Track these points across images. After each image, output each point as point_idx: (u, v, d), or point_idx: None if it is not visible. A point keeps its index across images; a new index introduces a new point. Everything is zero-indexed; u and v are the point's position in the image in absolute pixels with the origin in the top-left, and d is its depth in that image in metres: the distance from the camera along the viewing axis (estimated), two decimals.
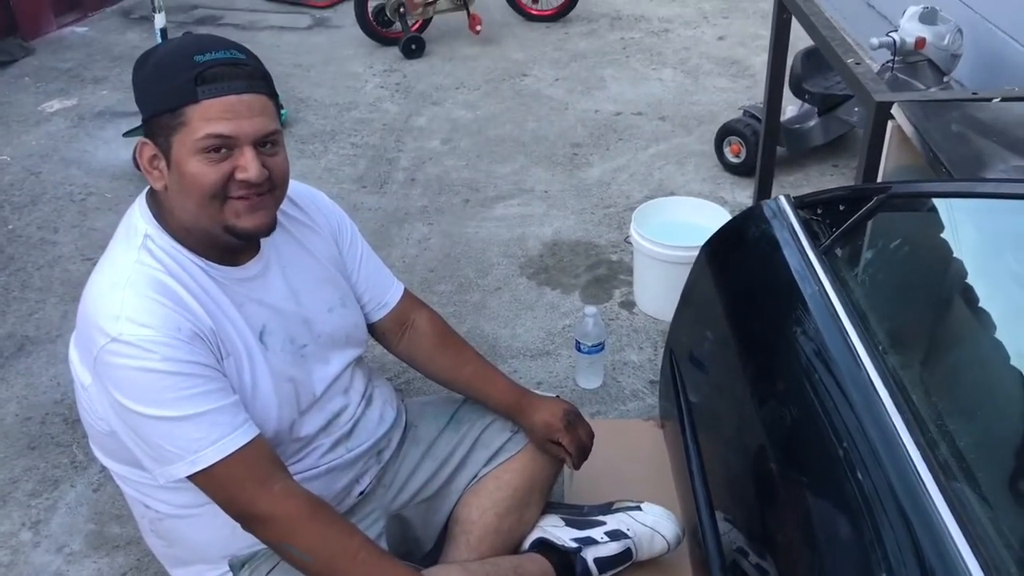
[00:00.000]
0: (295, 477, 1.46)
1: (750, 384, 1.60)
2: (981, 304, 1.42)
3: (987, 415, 1.23)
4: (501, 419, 1.72)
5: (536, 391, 1.76)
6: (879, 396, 1.28)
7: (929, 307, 1.50)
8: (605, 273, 2.71)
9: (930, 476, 1.14)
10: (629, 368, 2.32)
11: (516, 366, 2.32)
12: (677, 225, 2.53)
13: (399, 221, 3.00)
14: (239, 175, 1.28)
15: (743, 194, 3.11)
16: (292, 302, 1.46)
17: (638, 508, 1.74)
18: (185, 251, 1.34)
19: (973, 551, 1.03)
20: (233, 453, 1.28)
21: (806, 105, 3.26)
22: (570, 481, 1.87)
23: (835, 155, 3.33)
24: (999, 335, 1.29)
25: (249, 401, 1.36)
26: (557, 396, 1.77)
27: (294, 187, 1.51)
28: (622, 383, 2.27)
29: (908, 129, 1.65)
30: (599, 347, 2.19)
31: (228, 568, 1.47)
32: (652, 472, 1.95)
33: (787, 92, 3.16)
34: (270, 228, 1.37)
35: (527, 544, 1.69)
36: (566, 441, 1.64)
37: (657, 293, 2.45)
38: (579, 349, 2.20)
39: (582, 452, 1.67)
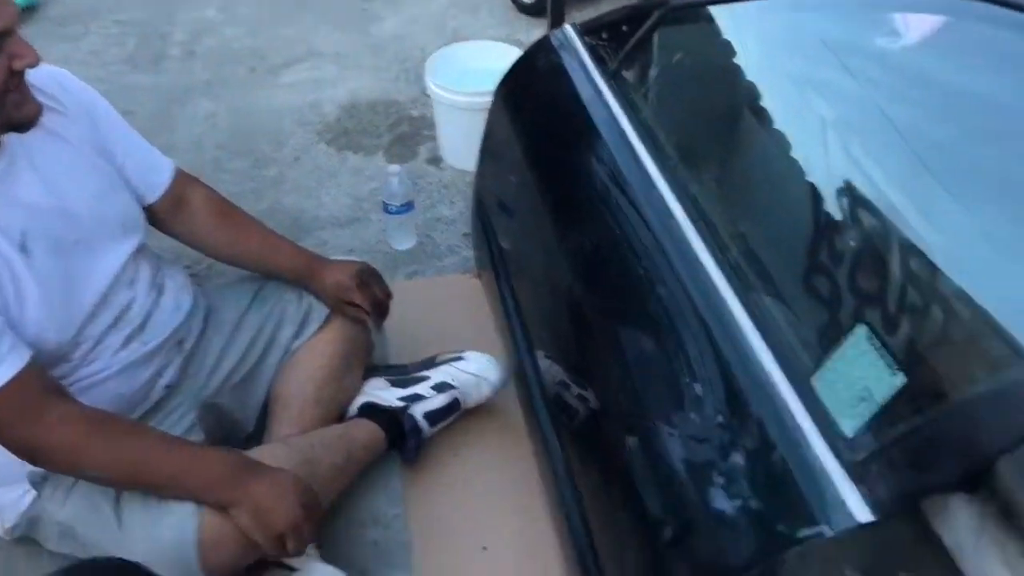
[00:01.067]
0: (88, 380, 1.36)
1: (553, 221, 1.59)
2: (768, 111, 1.44)
3: (780, 223, 1.25)
4: (305, 292, 1.66)
5: (349, 259, 1.70)
6: (674, 215, 1.29)
7: (717, 120, 1.51)
8: (408, 130, 2.62)
9: (728, 287, 1.17)
10: (442, 224, 2.27)
11: (325, 237, 2.23)
12: (473, 72, 2.45)
13: (180, 99, 2.78)
14: (17, 65, 1.17)
15: (539, 33, 3.05)
16: (51, 196, 1.31)
17: (461, 358, 1.73)
18: None
19: (775, 358, 1.07)
20: (5, 384, 1.17)
21: None
22: (382, 341, 1.84)
23: None
24: (788, 143, 1.31)
25: (17, 319, 1.23)
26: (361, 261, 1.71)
27: (34, 71, 1.34)
28: (436, 240, 2.22)
29: None
30: (407, 206, 2.13)
31: (30, 486, 1.37)
32: (474, 323, 1.94)
33: None
34: (40, 111, 1.26)
35: (353, 410, 1.66)
36: (359, 299, 1.59)
37: (461, 144, 2.39)
38: (387, 210, 2.13)
39: (379, 310, 1.63)
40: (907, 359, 0.93)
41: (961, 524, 1.27)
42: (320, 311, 1.64)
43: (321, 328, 1.64)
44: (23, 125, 1.24)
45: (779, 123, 1.36)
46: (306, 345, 1.62)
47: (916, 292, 0.97)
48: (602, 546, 1.33)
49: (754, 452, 1.01)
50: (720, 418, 1.07)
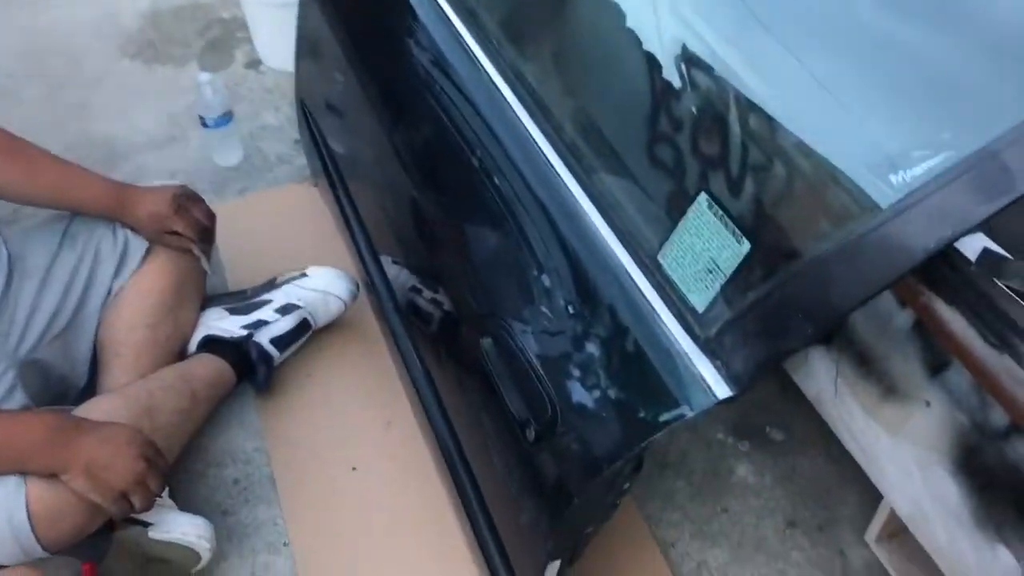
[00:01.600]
0: None
1: (380, 117, 1.48)
2: None
3: (612, 96, 1.18)
4: (117, 224, 1.50)
5: (163, 183, 1.54)
6: (504, 97, 1.21)
7: None
8: (220, 34, 2.41)
9: (565, 168, 1.10)
10: (269, 132, 2.12)
11: (144, 162, 2.04)
12: None
13: None
14: None
15: None
16: None
17: (304, 275, 1.62)
18: None
19: (619, 238, 1.01)
20: None
21: None
22: (217, 268, 1.71)
23: None
24: (616, 10, 1.23)
25: None
26: (181, 185, 1.56)
27: None
28: (265, 150, 2.07)
29: None
30: (226, 117, 1.96)
31: None
32: (317, 234, 1.83)
33: None
34: None
35: (193, 346, 1.55)
36: (180, 227, 1.46)
37: (279, 43, 2.20)
38: (205, 125, 1.96)
39: (204, 236, 1.50)
40: (752, 224, 0.89)
41: (820, 375, 1.29)
42: (139, 243, 1.50)
43: (144, 261, 1.50)
44: None
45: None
46: (130, 283, 1.48)
47: (757, 152, 0.92)
48: (470, 450, 1.29)
49: (607, 340, 0.97)
50: (570, 308, 1.02)
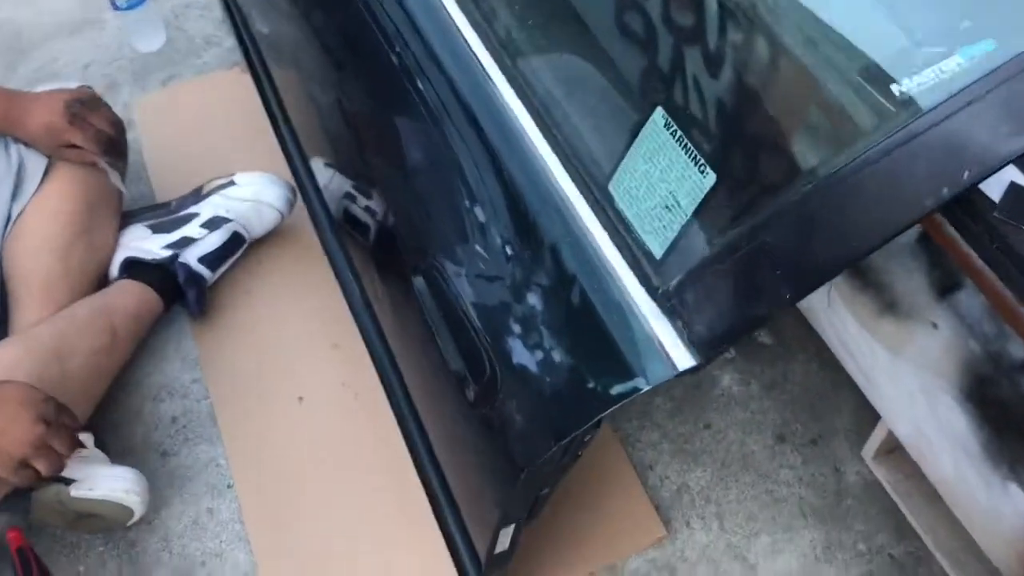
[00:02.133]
0: None
1: (319, 20, 1.27)
2: None
3: None
4: (10, 140, 1.32)
5: (67, 86, 1.35)
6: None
7: None
8: None
9: (502, 77, 0.91)
10: (194, 10, 1.88)
11: (56, 51, 1.81)
12: None
13: None
14: None
15: None
16: None
17: (232, 183, 1.44)
18: None
19: (556, 154, 0.83)
20: None
21: None
22: (123, 180, 1.53)
23: None
24: None
25: None
26: (82, 87, 1.36)
27: None
28: (190, 32, 1.84)
29: None
30: None
31: None
32: (249, 130, 1.63)
33: None
34: None
35: (114, 271, 1.39)
36: (79, 139, 1.28)
37: None
38: (115, 6, 1.72)
39: (109, 147, 1.31)
40: (720, 149, 0.71)
41: None
42: (37, 159, 1.32)
43: (46, 180, 1.32)
44: None
45: None
46: (32, 205, 1.31)
47: (731, 51, 0.73)
48: (415, 392, 1.16)
49: (549, 290, 0.80)
50: (508, 248, 0.85)
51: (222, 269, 1.43)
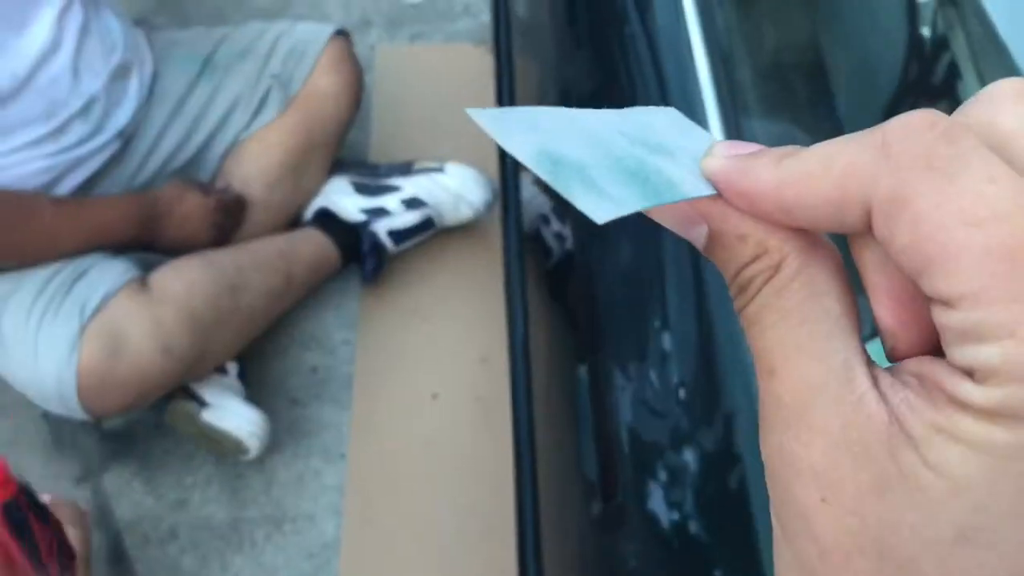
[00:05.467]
0: None
1: (561, 20, 1.26)
2: None
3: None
4: (264, 66, 1.37)
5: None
6: (696, 74, 0.96)
7: None
8: None
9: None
10: None
11: None
12: None
13: None
14: None
15: None
16: None
17: (441, 170, 1.46)
18: None
19: None
20: None
21: None
22: (362, 126, 1.56)
23: None
24: None
25: None
26: None
27: None
28: None
29: None
30: None
31: None
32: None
33: None
34: None
35: (309, 214, 1.44)
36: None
37: None
38: None
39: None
40: None
41: None
42: (280, 95, 1.37)
43: (280, 115, 1.37)
44: None
45: None
46: (257, 133, 1.37)
47: None
48: (542, 448, 1.15)
49: (710, 459, 0.77)
50: (681, 392, 0.82)
51: (406, 245, 1.45)
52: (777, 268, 0.20)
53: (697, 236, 0.22)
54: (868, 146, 0.19)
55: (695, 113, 0.94)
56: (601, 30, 1.13)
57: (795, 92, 1.05)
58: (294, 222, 1.43)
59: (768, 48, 1.10)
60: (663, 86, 0.99)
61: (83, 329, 1.10)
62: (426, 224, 1.44)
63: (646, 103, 1.01)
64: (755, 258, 0.21)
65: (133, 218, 1.22)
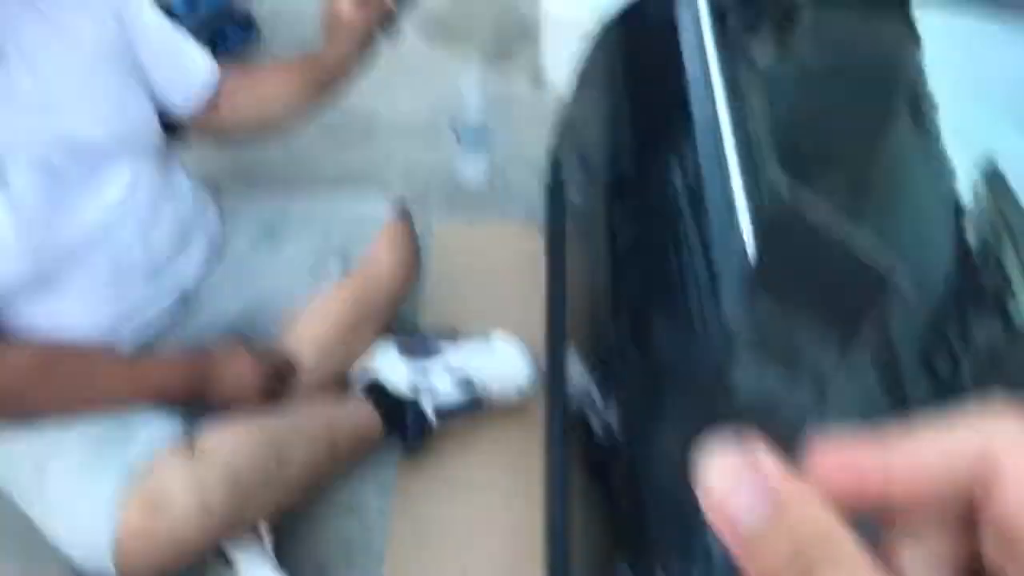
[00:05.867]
0: (46, 317, 1.18)
1: (616, 211, 1.30)
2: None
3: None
4: (326, 237, 1.43)
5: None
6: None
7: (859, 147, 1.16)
8: (515, 31, 2.28)
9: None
10: (522, 159, 1.97)
11: (390, 148, 1.97)
12: None
13: None
14: None
15: None
16: (46, 111, 1.09)
17: (488, 344, 1.48)
18: None
19: None
20: None
21: None
22: (414, 297, 1.60)
23: None
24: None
25: None
26: None
27: None
28: (510, 177, 1.94)
29: None
30: (481, 134, 1.84)
31: None
32: (525, 289, 1.67)
33: None
34: None
35: (357, 379, 1.45)
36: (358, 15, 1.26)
37: (568, 64, 2.05)
38: (456, 135, 1.85)
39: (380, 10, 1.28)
40: None
41: None
42: (339, 266, 1.42)
43: (338, 283, 1.42)
44: None
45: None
46: (314, 303, 1.41)
47: None
48: None
49: None
50: None
51: (451, 420, 1.46)
52: None
53: None
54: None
55: (740, 311, 0.96)
56: (655, 228, 1.17)
57: (843, 297, 1.07)
58: (342, 388, 1.44)
59: (814, 248, 1.13)
60: (716, 291, 1.02)
61: (126, 488, 1.10)
62: (475, 404, 1.45)
63: (696, 305, 1.03)
64: None
65: (187, 376, 1.25)
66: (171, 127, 1.34)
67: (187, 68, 1.30)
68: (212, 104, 1.33)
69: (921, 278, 0.96)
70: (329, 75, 1.32)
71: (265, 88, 1.35)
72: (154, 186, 1.25)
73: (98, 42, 1.16)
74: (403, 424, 1.41)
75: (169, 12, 2.06)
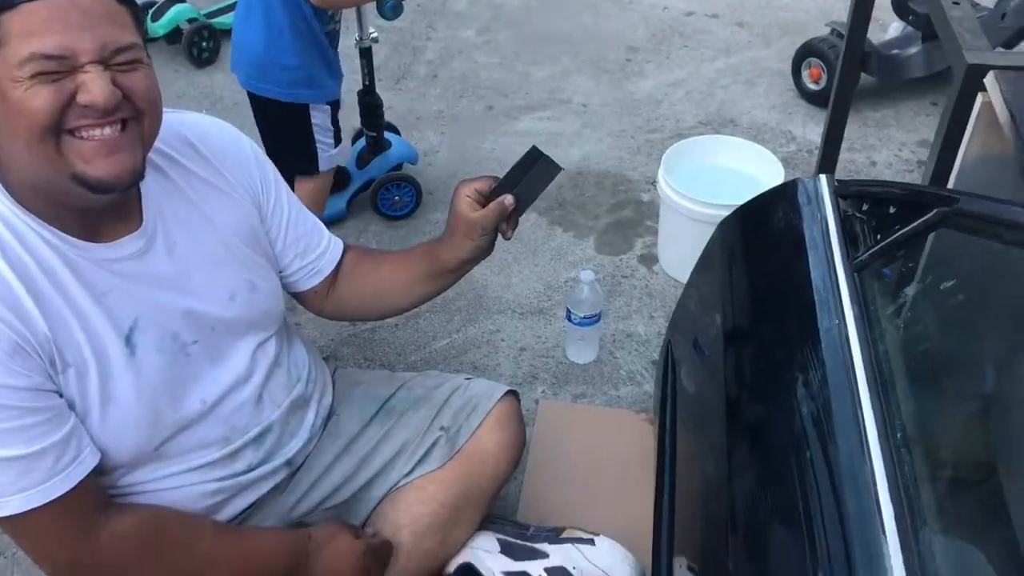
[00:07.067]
0: (153, 487, 1.18)
1: (732, 411, 1.26)
2: None
3: None
4: (435, 417, 1.42)
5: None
6: (880, 513, 0.93)
7: (978, 375, 1.11)
8: (631, 216, 2.32)
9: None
10: (633, 342, 1.96)
11: (501, 324, 1.99)
12: (714, 170, 2.12)
13: (408, 126, 2.63)
14: (81, 98, 0.94)
15: (817, 129, 2.65)
16: (179, 290, 1.13)
17: (591, 543, 1.43)
18: (30, 218, 1.01)
19: None
20: (48, 504, 1.01)
21: (909, 27, 2.73)
22: (516, 490, 1.57)
23: (937, 90, 2.80)
24: None
25: (97, 421, 1.06)
26: None
27: (191, 122, 1.19)
28: (619, 360, 1.92)
29: (1001, 109, 1.21)
30: (593, 319, 1.84)
31: None
32: (631, 482, 1.63)
33: (890, 9, 2.65)
34: (134, 175, 1.02)
35: (453, 567, 1.41)
36: (480, 216, 1.25)
37: (682, 253, 2.06)
38: (569, 319, 1.86)
39: (501, 215, 1.25)
40: None
41: None
42: (446, 447, 1.40)
43: (441, 467, 1.40)
44: (99, 187, 0.99)
45: None
46: (417, 482, 1.39)
47: None
48: None
49: None
50: None
51: None
52: None
53: None
54: None
55: (873, 533, 0.90)
56: (776, 437, 1.12)
57: (972, 509, 1.00)
58: (438, 571, 1.41)
59: (947, 466, 1.06)
60: (841, 515, 0.96)
61: None
62: None
63: (822, 526, 0.97)
64: None
65: (286, 553, 1.23)
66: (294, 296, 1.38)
67: (315, 249, 1.35)
68: (331, 282, 1.37)
69: None
70: (446, 267, 1.34)
71: (383, 272, 1.38)
72: (274, 356, 1.28)
73: (236, 225, 1.21)
74: None
75: (344, 175, 2.22)
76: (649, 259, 2.19)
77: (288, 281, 1.34)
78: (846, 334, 1.12)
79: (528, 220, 2.30)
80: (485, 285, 2.09)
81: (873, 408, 1.02)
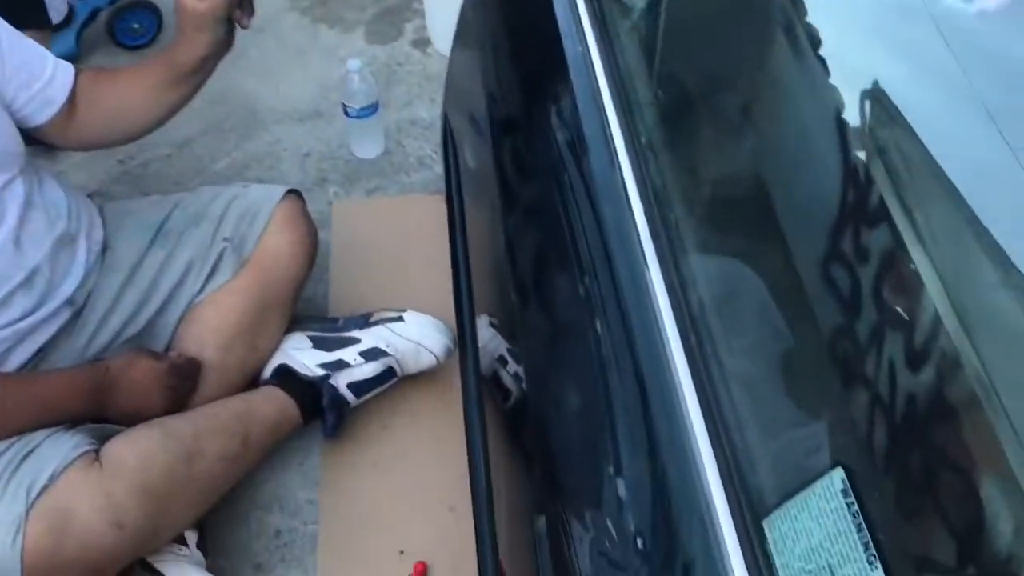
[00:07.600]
0: None
1: (505, 168, 1.29)
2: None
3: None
4: (216, 230, 1.39)
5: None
6: (633, 217, 0.98)
7: (727, 81, 1.15)
8: (398, 2, 2.24)
9: (676, 331, 0.87)
10: (417, 128, 1.95)
11: (280, 133, 1.92)
12: None
13: None
14: None
15: None
16: None
17: (400, 319, 1.46)
18: None
19: (717, 463, 0.78)
20: None
21: None
22: (320, 285, 1.57)
23: None
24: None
25: None
26: None
27: None
28: (407, 148, 1.91)
29: None
30: (370, 109, 1.80)
31: None
32: (432, 261, 1.65)
33: None
34: None
35: (268, 372, 1.42)
36: (208, 5, 1.19)
37: (452, 29, 2.02)
38: (347, 113, 1.81)
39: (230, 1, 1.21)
40: (900, 540, 0.64)
41: None
42: (234, 258, 1.37)
43: (234, 277, 1.38)
44: None
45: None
46: (211, 296, 1.37)
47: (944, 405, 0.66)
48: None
49: None
50: (639, 541, 0.79)
51: (367, 397, 1.44)
52: None
53: None
54: None
55: (634, 253, 0.95)
56: (540, 178, 1.15)
57: (737, 226, 1.07)
58: (252, 383, 1.41)
59: (706, 185, 1.12)
60: (601, 228, 1.01)
61: (29, 510, 1.06)
62: (387, 374, 1.43)
63: (585, 244, 1.02)
64: None
65: (83, 390, 1.20)
66: (37, 139, 1.29)
67: (40, 78, 1.24)
68: (69, 110, 1.27)
69: (811, 195, 0.96)
70: (184, 70, 1.26)
71: (121, 87, 1.29)
72: (24, 196, 1.21)
73: None
74: (319, 405, 1.39)
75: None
76: (422, 43, 2.14)
77: (21, 116, 1.23)
78: (590, 60, 1.13)
79: (288, 20, 2.18)
80: (256, 96, 2.00)
81: (620, 126, 1.06)
